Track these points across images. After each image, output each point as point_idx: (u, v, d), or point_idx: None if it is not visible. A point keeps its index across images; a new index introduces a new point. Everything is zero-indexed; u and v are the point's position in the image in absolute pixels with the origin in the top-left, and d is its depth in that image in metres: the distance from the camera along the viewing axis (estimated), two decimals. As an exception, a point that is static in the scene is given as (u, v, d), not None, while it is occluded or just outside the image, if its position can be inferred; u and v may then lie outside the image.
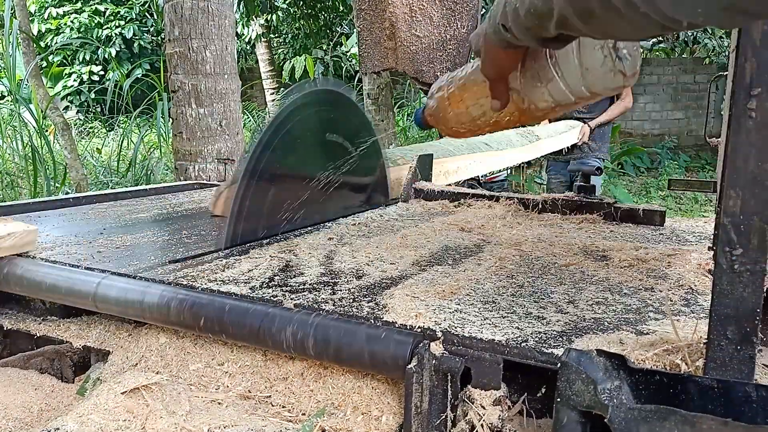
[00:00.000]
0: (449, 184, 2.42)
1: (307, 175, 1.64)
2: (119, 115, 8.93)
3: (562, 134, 4.43)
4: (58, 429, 0.90)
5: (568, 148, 4.56)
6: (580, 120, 4.58)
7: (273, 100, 11.38)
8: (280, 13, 11.17)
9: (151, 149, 7.29)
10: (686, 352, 0.81)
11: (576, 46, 0.94)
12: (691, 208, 7.31)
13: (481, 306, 1.05)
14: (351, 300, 1.08)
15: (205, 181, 3.48)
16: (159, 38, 11.73)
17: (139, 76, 9.21)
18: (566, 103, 1.03)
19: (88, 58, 12.07)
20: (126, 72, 10.06)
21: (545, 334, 0.92)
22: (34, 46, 5.97)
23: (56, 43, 11.33)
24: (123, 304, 1.15)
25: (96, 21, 12.11)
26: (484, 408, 0.85)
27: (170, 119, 4.60)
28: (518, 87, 1.03)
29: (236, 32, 7.65)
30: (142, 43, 11.99)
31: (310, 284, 1.18)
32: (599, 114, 4.55)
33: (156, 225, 1.80)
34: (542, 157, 4.57)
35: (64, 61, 12.20)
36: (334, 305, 1.05)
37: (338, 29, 11.58)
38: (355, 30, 2.07)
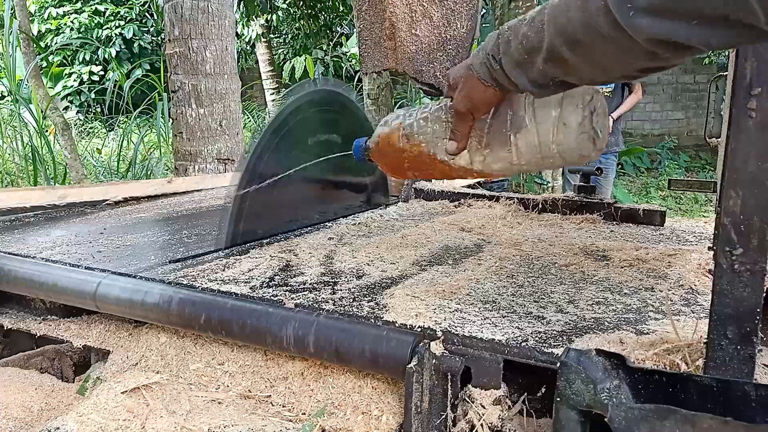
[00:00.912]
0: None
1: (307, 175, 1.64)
2: (119, 115, 8.92)
3: None
4: (58, 428, 0.90)
5: None
6: None
7: (273, 100, 11.37)
8: (280, 13, 11.16)
9: (151, 149, 7.29)
10: (686, 351, 0.81)
11: (559, 99, 0.91)
12: (691, 208, 7.31)
13: (481, 306, 1.05)
14: (351, 300, 1.08)
15: (205, 181, 3.47)
16: (159, 38, 11.72)
17: (139, 76, 9.20)
18: (526, 161, 0.97)
19: (88, 58, 12.06)
20: (126, 72, 10.05)
21: (545, 333, 0.92)
22: (34, 46, 5.97)
23: (56, 43, 11.32)
24: (123, 304, 1.15)
25: (96, 21, 12.09)
26: (484, 407, 0.85)
27: (170, 119, 4.60)
28: (483, 132, 0.98)
29: (236, 32, 7.65)
30: (142, 43, 11.97)
31: (310, 284, 1.18)
32: (615, 109, 4.81)
33: (156, 225, 1.80)
34: None
35: (64, 61, 12.18)
36: (334, 305, 1.05)
37: (338, 29, 11.57)
38: (355, 30, 2.07)
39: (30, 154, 5.43)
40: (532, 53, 0.77)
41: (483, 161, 1.00)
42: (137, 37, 11.97)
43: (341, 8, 10.82)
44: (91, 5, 12.33)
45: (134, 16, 12.24)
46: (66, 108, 11.81)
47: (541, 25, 0.74)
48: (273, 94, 11.47)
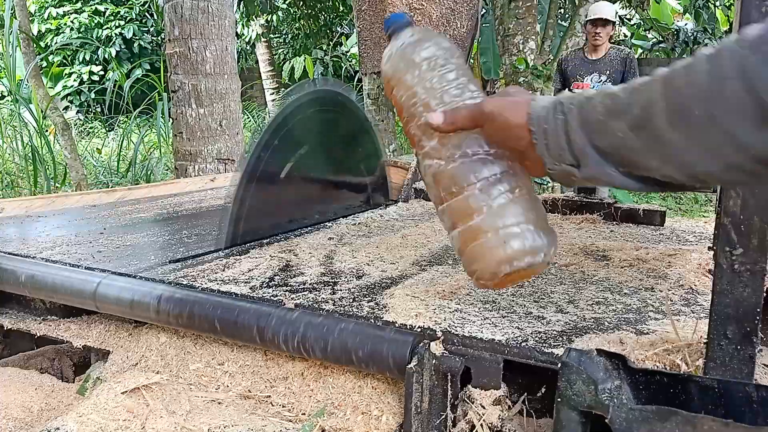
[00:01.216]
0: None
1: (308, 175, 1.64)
2: (119, 115, 8.92)
3: None
4: (58, 429, 0.90)
5: None
6: None
7: (273, 100, 11.38)
8: (280, 13, 11.17)
9: (151, 149, 7.29)
10: (686, 351, 0.81)
11: (541, 221, 0.79)
12: (691, 208, 7.31)
13: (481, 306, 1.05)
14: (351, 300, 1.08)
15: (205, 181, 3.47)
16: (159, 38, 11.72)
17: (139, 76, 9.21)
18: (449, 213, 0.79)
19: (88, 58, 12.06)
20: (126, 72, 10.06)
21: (545, 333, 0.92)
22: (34, 46, 5.97)
23: (56, 43, 11.33)
24: (123, 304, 1.15)
25: (96, 21, 12.09)
26: (484, 408, 0.85)
27: (170, 119, 4.60)
28: (466, 151, 0.79)
29: (236, 32, 7.65)
30: (142, 43, 11.98)
31: (310, 284, 1.18)
32: None
33: (156, 225, 1.80)
34: None
35: (64, 61, 12.19)
36: (334, 305, 1.05)
37: (338, 29, 11.58)
38: (355, 30, 2.07)
39: (30, 154, 5.43)
40: (614, 115, 0.62)
41: (431, 164, 0.82)
42: (137, 37, 11.97)
43: (341, 8, 10.82)
44: (91, 5, 12.34)
45: (134, 16, 12.24)
46: (66, 108, 11.82)
47: (643, 87, 0.60)
48: (273, 94, 11.49)
